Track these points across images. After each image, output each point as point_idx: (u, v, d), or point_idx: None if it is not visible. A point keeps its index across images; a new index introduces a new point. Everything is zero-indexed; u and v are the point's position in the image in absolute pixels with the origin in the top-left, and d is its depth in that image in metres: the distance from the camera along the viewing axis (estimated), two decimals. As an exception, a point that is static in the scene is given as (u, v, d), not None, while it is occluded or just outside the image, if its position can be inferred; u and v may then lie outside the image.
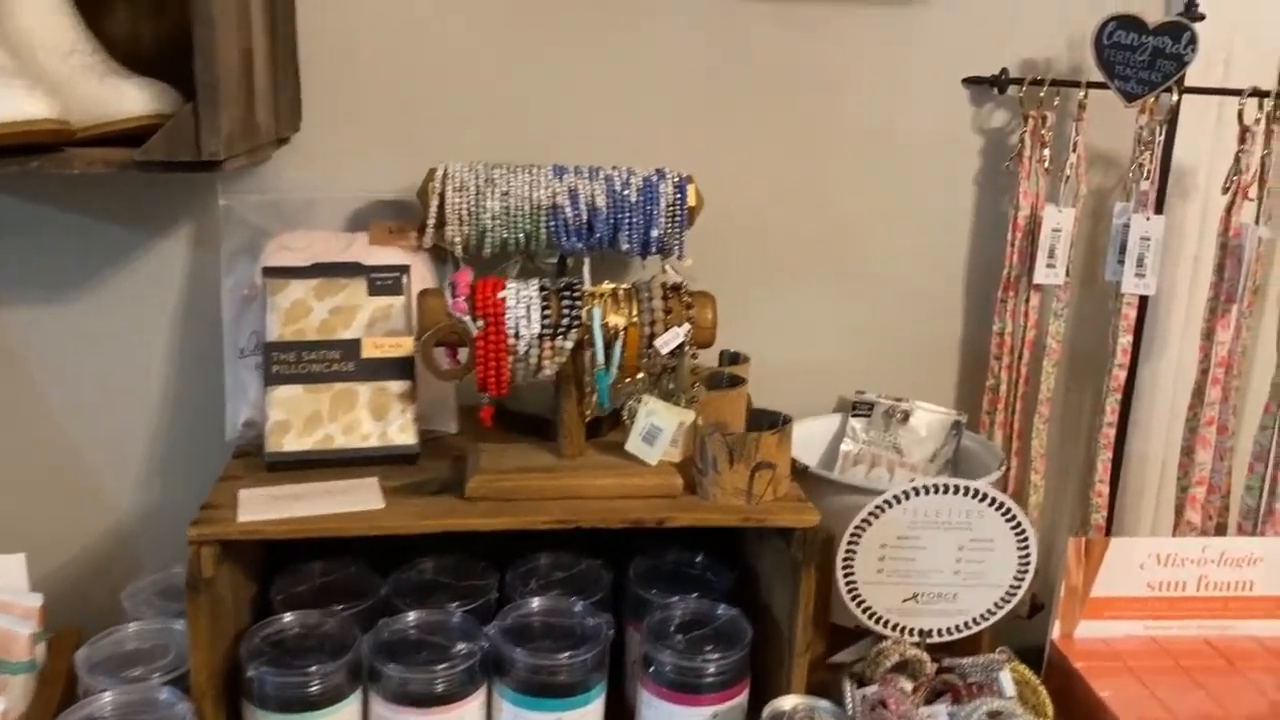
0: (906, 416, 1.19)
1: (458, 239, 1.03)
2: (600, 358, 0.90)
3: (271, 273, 0.98)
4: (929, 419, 1.19)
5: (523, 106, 1.11)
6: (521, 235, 1.03)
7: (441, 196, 1.02)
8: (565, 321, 0.89)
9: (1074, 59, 1.15)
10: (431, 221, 1.02)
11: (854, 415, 1.21)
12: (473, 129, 1.10)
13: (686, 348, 0.92)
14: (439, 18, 1.07)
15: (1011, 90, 1.15)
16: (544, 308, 0.90)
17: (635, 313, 0.91)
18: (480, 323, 0.88)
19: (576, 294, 0.90)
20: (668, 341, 0.90)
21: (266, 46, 0.95)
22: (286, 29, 1.03)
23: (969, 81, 1.16)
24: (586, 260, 1.06)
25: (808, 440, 1.21)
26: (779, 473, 0.92)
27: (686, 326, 0.91)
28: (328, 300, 0.98)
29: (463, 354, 0.91)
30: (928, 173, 1.18)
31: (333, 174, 1.08)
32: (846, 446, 1.20)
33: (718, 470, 0.90)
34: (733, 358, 1.15)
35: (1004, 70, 1.15)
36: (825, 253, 1.19)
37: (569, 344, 0.89)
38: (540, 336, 0.89)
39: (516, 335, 0.89)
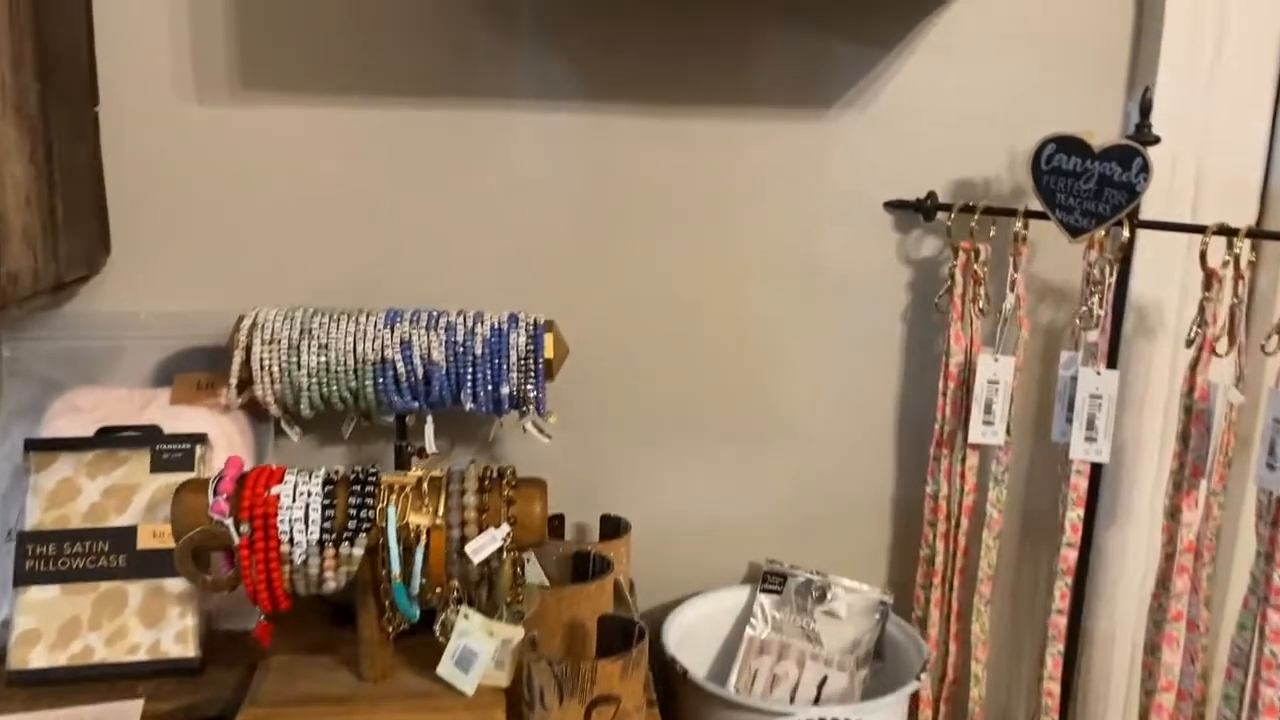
0: (824, 594, 1.02)
1: (270, 398, 0.88)
2: (396, 568, 0.73)
3: (36, 446, 0.83)
4: (850, 599, 1.01)
5: (358, 239, 0.95)
6: (346, 393, 0.88)
7: (248, 350, 0.86)
8: (353, 524, 0.73)
9: (1016, 180, 0.99)
10: (234, 382, 0.87)
11: (763, 590, 1.03)
12: (299, 266, 0.95)
13: (505, 553, 0.75)
14: (261, 141, 0.93)
15: (941, 216, 0.99)
16: (327, 506, 0.73)
17: (442, 510, 0.75)
18: (245, 527, 0.72)
19: (370, 488, 0.74)
20: (480, 548, 0.74)
21: (57, 178, 0.82)
22: (86, 155, 0.89)
23: (891, 206, 1.00)
24: (430, 419, 0.91)
25: (709, 619, 1.03)
26: (625, 708, 0.75)
27: (505, 529, 0.75)
28: (102, 479, 0.83)
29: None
30: (848, 308, 1.02)
31: (139, 317, 0.93)
32: (752, 631, 1.02)
33: (545, 706, 0.73)
34: (613, 525, 0.99)
35: (930, 194, 0.98)
36: (728, 398, 1.03)
37: (358, 551, 0.73)
38: (321, 543, 0.73)
39: (291, 541, 0.73)
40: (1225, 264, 0.87)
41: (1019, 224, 0.94)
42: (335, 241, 0.95)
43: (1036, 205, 0.92)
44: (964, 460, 0.99)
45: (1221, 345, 0.88)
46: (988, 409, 0.97)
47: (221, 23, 0.91)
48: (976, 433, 0.97)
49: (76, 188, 0.87)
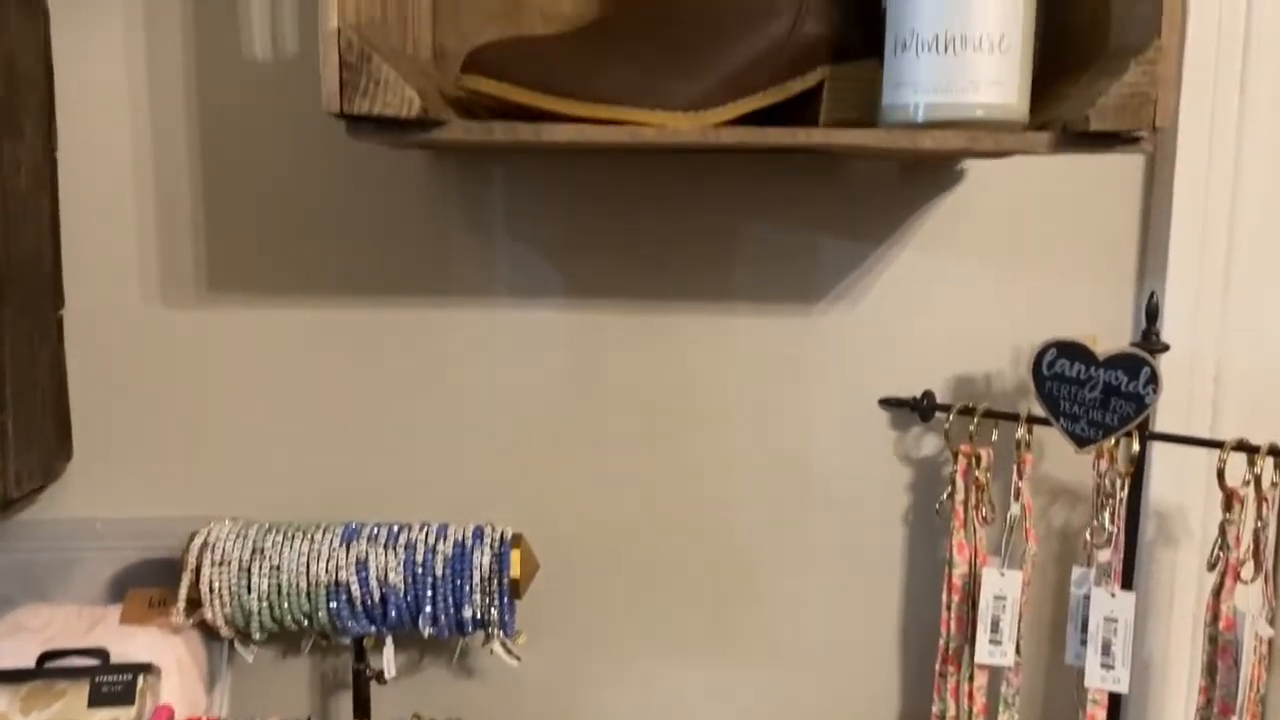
0: (821, 823, 0.93)
1: (220, 621, 0.83)
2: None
3: (-32, 679, 0.79)
4: (848, 830, 0.93)
5: (325, 444, 0.92)
6: (300, 615, 0.83)
7: (197, 571, 0.82)
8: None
9: (1020, 376, 0.93)
10: (181, 605, 0.83)
11: (756, 816, 0.95)
12: (264, 471, 0.91)
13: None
14: (227, 343, 0.90)
15: (939, 416, 0.93)
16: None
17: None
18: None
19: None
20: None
21: (9, 395, 0.79)
22: (49, 360, 0.87)
23: (887, 403, 0.94)
24: (389, 640, 0.86)
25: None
26: None
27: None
28: (37, 714, 0.78)
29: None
30: (843, 511, 0.95)
31: (95, 526, 0.90)
32: None
33: None
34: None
35: (927, 394, 0.92)
36: (714, 611, 0.96)
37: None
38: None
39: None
40: (1246, 483, 0.80)
41: (1022, 429, 0.88)
42: (301, 446, 0.91)
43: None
44: (971, 679, 0.91)
45: (1247, 570, 0.80)
46: (994, 627, 0.89)
47: (189, 223, 0.89)
48: (983, 653, 0.89)
49: (35, 398, 0.84)
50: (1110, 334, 0.90)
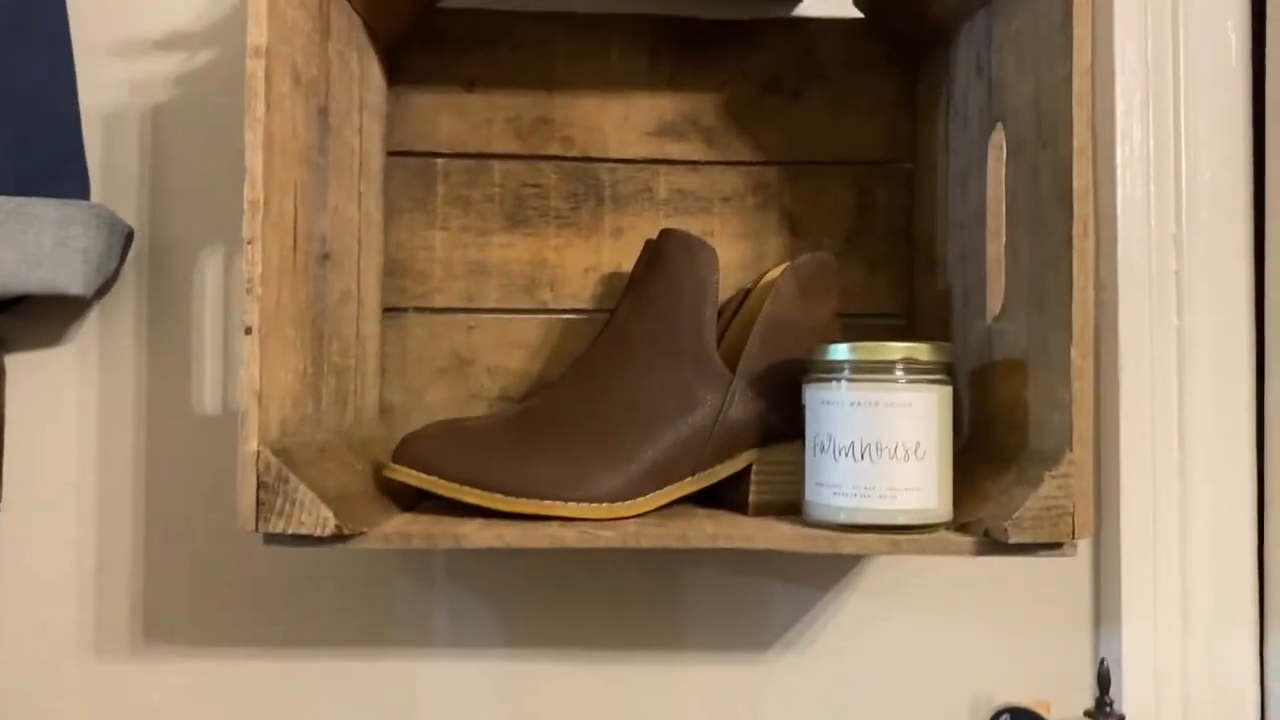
0: None
1: None
2: None
3: None
4: None
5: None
6: None
7: None
8: None
9: (978, 728, 0.90)
10: None
11: None
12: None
13: None
14: (160, 697, 0.88)
15: (897, 772, 0.89)
16: None
17: None
18: None
19: None
20: None
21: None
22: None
23: (842, 756, 0.91)
24: None
25: None
26: None
27: None
28: None
29: None
30: None
31: None
32: None
33: None
34: None
35: (882, 750, 0.89)
36: None
37: None
38: None
39: None
40: None
41: (980, 794, 0.84)
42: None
43: (999, 771, 0.82)
44: None
45: None
46: None
47: (127, 573, 0.89)
48: None
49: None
50: (1072, 681, 0.88)
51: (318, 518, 0.61)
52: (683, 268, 0.73)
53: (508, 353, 0.90)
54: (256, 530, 0.61)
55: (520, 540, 0.64)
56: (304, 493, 0.61)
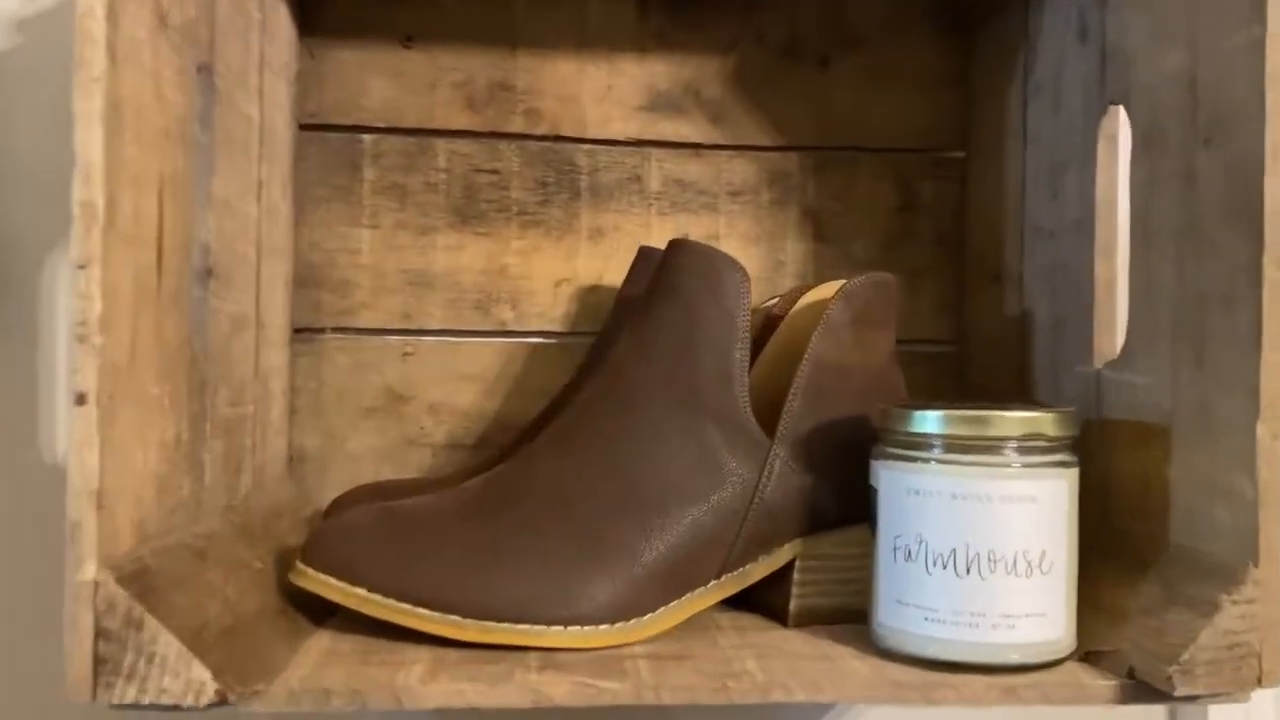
0: None
1: None
2: None
3: None
4: None
5: None
6: None
7: None
8: None
9: None
10: None
11: None
12: None
13: None
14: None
15: None
16: None
17: None
18: None
19: None
20: None
21: None
22: None
23: None
24: None
25: None
26: None
27: None
28: None
29: None
30: None
31: None
32: None
33: None
34: None
35: None
36: None
37: None
38: None
39: None
40: None
41: None
42: None
43: None
44: None
45: None
46: None
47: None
48: None
49: None
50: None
51: (188, 681, 0.41)
52: (704, 295, 0.54)
53: (456, 387, 0.70)
54: (94, 700, 0.41)
55: (488, 698, 0.45)
56: (166, 642, 0.41)
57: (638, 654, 0.49)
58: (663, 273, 0.56)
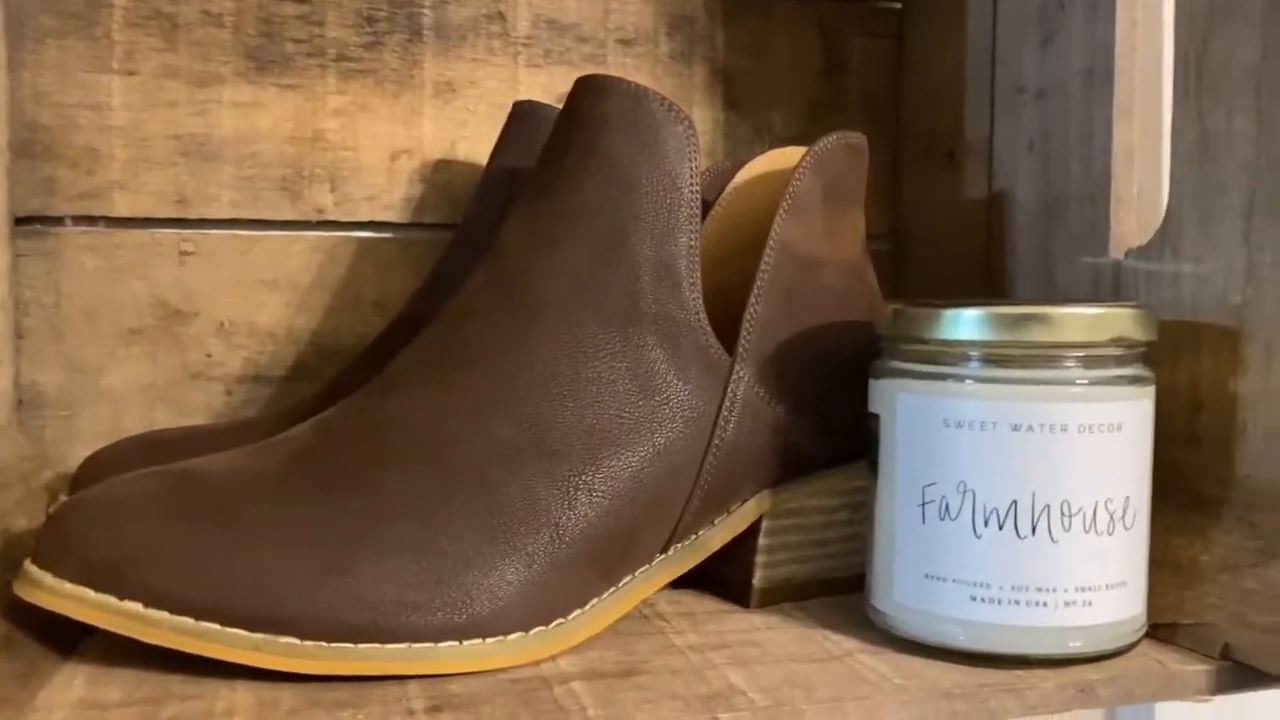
0: None
1: None
2: None
3: None
4: None
5: None
6: None
7: None
8: None
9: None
10: None
11: None
12: None
13: None
14: None
15: None
16: None
17: None
18: None
19: None
20: None
21: None
22: None
23: None
24: None
25: None
26: None
27: None
28: None
29: None
30: None
31: None
32: None
33: None
34: None
35: None
36: None
37: None
38: None
39: None
40: None
41: None
42: None
43: None
44: None
45: None
46: None
47: None
48: None
49: None
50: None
51: None
52: (635, 154, 0.38)
53: (255, 298, 0.52)
54: None
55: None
56: None
57: (568, 673, 0.34)
58: (569, 125, 0.39)
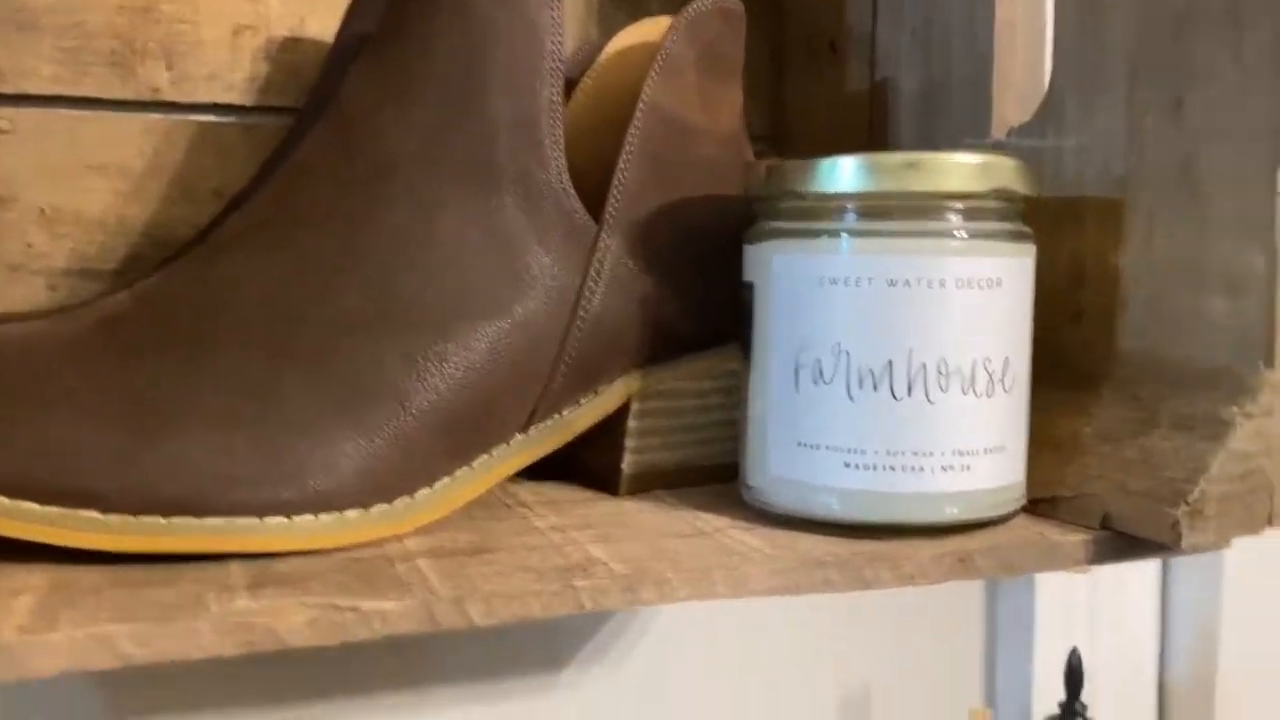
0: None
1: None
2: None
3: None
4: None
5: None
6: None
7: None
8: None
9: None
10: None
11: None
12: None
13: None
14: None
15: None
16: None
17: None
18: None
19: None
20: None
21: None
22: None
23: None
24: None
25: None
26: None
27: None
28: None
29: None
30: None
31: None
32: None
33: None
34: None
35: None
36: None
37: None
38: None
39: None
40: None
41: None
42: None
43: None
44: None
45: None
46: None
47: None
48: None
49: None
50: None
51: None
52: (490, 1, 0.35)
53: (81, 184, 0.47)
54: None
55: (160, 648, 0.25)
56: None
57: (413, 550, 0.31)
58: (419, -32, 0.36)
